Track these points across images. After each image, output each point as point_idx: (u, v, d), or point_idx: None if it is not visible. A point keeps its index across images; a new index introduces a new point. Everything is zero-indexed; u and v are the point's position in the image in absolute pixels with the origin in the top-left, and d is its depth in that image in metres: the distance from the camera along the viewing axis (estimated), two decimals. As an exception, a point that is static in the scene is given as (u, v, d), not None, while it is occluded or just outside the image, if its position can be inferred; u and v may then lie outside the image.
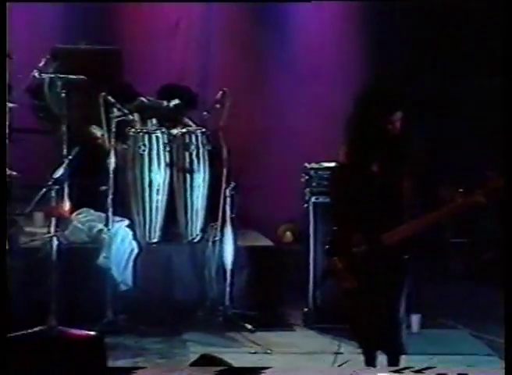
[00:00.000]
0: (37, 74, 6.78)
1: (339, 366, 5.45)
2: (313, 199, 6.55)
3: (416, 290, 5.32)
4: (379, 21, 7.80)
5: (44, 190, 6.20)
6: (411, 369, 3.99)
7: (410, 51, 7.74)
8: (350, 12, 7.91)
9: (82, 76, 6.70)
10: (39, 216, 6.84)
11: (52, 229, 6.10)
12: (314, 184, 6.58)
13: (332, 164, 5.64)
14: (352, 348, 5.41)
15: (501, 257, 4.41)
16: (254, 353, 6.06)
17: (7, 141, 6.46)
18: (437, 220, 5.02)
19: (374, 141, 5.05)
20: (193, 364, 4.24)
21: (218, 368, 3.99)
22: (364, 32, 7.87)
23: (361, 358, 5.17)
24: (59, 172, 6.18)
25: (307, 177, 6.62)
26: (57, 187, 6.18)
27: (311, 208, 6.57)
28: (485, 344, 6.07)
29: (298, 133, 7.70)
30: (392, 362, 5.10)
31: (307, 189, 6.60)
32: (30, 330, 5.78)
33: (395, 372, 3.96)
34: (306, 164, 6.65)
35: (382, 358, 5.12)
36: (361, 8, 7.87)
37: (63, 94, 6.54)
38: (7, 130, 6.11)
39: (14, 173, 5.42)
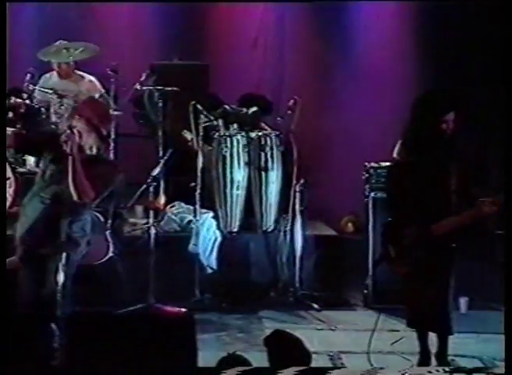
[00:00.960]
0: (138, 87, 6.95)
1: (392, 343, 5.52)
2: (372, 194, 6.57)
3: (464, 275, 5.34)
4: (438, 27, 7.63)
5: (144, 186, 6.29)
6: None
7: (468, 54, 7.55)
8: (410, 23, 7.80)
9: (175, 88, 6.87)
10: (139, 209, 6.90)
11: (150, 220, 6.25)
12: (373, 181, 6.59)
13: (389, 163, 5.74)
14: (406, 327, 5.34)
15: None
16: (321, 329, 6.07)
17: (112, 143, 6.64)
18: (469, 219, 4.98)
19: (427, 141, 5.04)
20: (268, 338, 4.20)
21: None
22: (424, 39, 7.71)
23: (415, 335, 5.22)
24: (156, 170, 6.31)
25: (367, 175, 6.65)
26: (154, 183, 6.30)
27: (370, 202, 6.58)
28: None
29: (359, 135, 7.67)
30: (442, 341, 5.18)
31: (367, 185, 6.63)
32: (132, 308, 5.95)
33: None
34: (366, 163, 6.67)
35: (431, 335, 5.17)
36: (421, 18, 7.70)
37: (160, 104, 6.73)
38: (113, 136, 6.28)
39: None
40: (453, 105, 5.06)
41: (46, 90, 6.93)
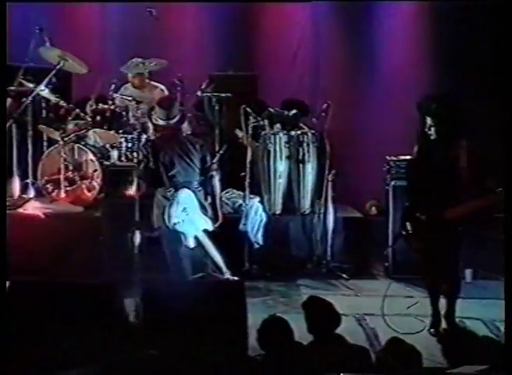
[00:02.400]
0: (199, 93, 7.05)
1: (408, 307, 5.54)
2: (392, 183, 6.58)
3: (470, 250, 5.42)
4: (462, 29, 7.38)
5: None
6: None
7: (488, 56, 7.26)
8: (434, 25, 7.58)
9: (229, 95, 6.94)
10: (201, 195, 6.90)
11: (208, 204, 6.27)
12: (393, 172, 6.60)
13: (407, 157, 5.76)
14: (420, 293, 5.50)
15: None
16: (348, 295, 6.10)
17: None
18: (478, 208, 5.02)
19: (420, 141, 5.10)
20: (305, 303, 4.28)
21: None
22: (446, 41, 7.51)
23: (427, 301, 5.31)
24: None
25: (387, 167, 6.67)
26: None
27: (390, 189, 6.60)
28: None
29: (381, 133, 7.63)
30: (450, 305, 5.25)
31: (388, 175, 6.65)
32: (194, 276, 6.00)
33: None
34: (387, 157, 6.69)
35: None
36: (444, 20, 7.46)
37: (216, 108, 6.84)
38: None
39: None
40: (427, 111, 5.03)
41: (126, 97, 7.10)
